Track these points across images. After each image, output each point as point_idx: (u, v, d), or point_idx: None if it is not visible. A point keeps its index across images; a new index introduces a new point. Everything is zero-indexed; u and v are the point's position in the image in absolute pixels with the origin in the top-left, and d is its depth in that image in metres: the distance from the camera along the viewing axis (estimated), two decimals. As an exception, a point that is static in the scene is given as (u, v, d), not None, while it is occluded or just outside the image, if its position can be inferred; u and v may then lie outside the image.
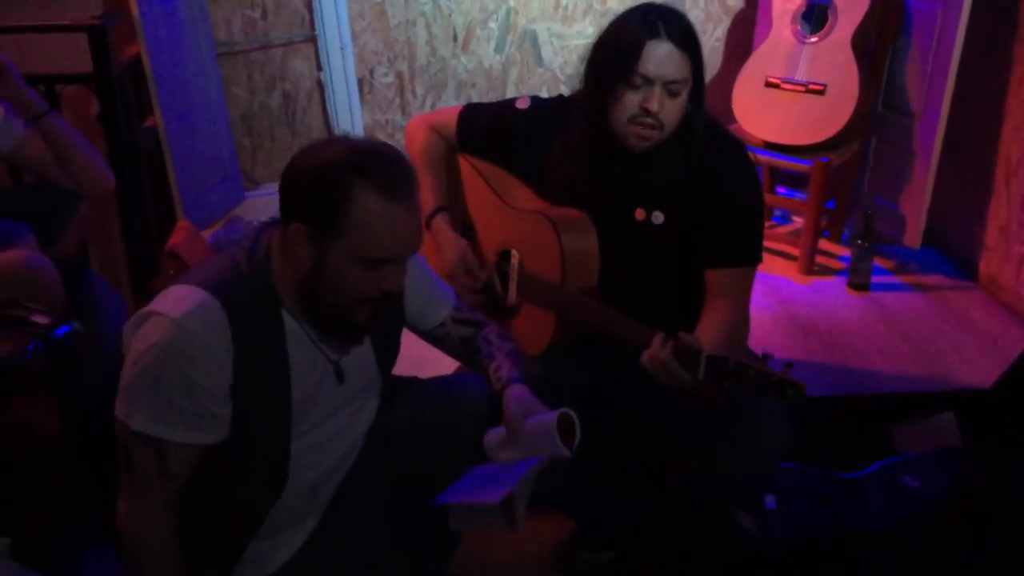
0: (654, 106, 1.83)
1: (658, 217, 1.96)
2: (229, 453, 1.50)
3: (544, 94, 3.86)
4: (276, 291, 1.51)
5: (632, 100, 1.84)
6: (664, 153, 1.93)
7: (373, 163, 1.43)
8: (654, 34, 1.81)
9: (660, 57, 1.81)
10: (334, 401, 1.63)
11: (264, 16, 3.68)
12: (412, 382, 1.83)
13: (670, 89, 1.83)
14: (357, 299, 1.49)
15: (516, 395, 1.66)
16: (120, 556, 1.53)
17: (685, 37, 1.83)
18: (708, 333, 1.82)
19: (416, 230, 1.50)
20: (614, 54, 1.86)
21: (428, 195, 2.15)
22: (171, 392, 1.42)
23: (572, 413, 1.61)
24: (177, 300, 1.44)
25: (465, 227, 2.23)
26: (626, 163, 1.95)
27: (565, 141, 2.00)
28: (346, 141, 1.47)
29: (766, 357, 1.59)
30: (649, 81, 1.82)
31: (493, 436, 1.67)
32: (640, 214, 1.97)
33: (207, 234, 3.22)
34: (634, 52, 1.82)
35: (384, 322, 1.67)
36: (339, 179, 1.41)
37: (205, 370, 1.43)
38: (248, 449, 1.52)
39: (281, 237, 1.49)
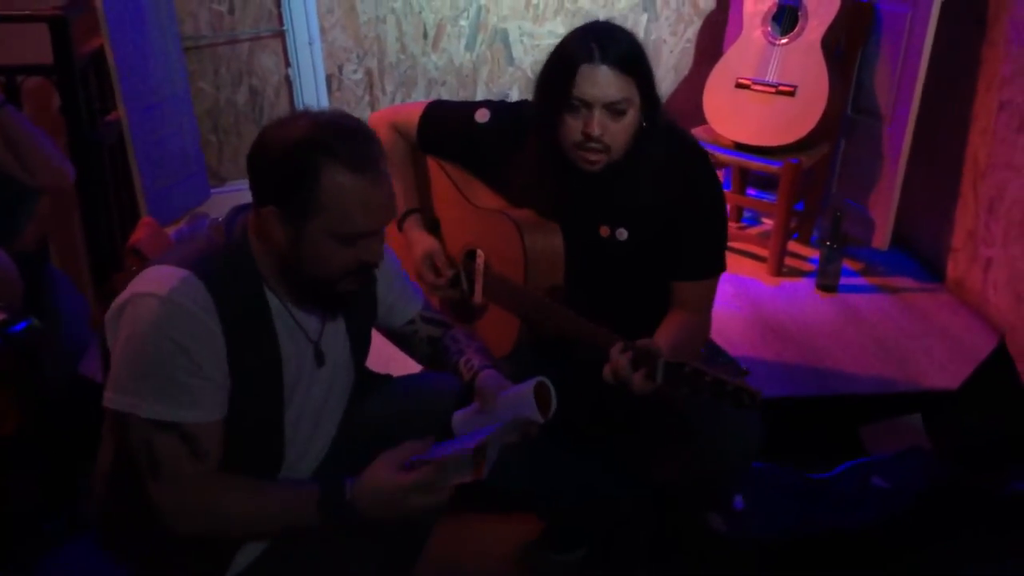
0: (594, 130, 1.80)
1: (622, 234, 1.95)
2: (225, 434, 1.48)
3: (514, 93, 3.87)
4: (256, 269, 1.50)
5: (574, 125, 1.82)
6: (623, 170, 1.91)
7: (338, 139, 1.41)
8: (588, 57, 1.78)
9: (594, 80, 1.78)
10: (314, 385, 1.62)
11: (231, 11, 3.63)
12: (384, 378, 1.83)
13: (612, 110, 1.80)
14: (339, 272, 1.48)
15: (489, 374, 1.69)
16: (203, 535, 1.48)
17: (623, 57, 1.80)
18: (667, 335, 1.84)
19: (388, 200, 1.49)
20: (552, 77, 1.85)
21: (398, 197, 2.13)
22: (175, 370, 1.39)
23: (548, 382, 1.61)
24: (160, 279, 1.42)
25: (432, 226, 2.21)
26: (586, 181, 1.93)
27: (523, 158, 1.99)
28: (308, 117, 1.45)
29: (743, 374, 1.59)
30: (587, 104, 1.80)
31: (460, 415, 1.66)
32: (604, 231, 1.96)
33: (171, 230, 3.16)
34: (568, 77, 1.80)
35: (358, 312, 1.67)
36: (305, 159, 1.40)
37: (203, 342, 1.41)
38: (244, 428, 1.50)
39: (255, 219, 1.49)
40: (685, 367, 1.59)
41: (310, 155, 1.40)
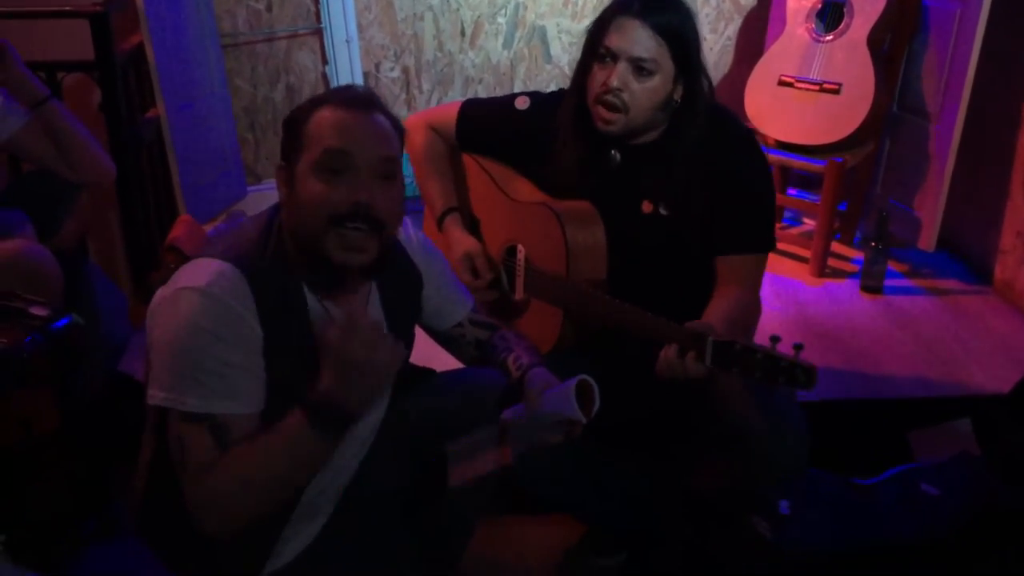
0: (612, 81, 1.81)
1: (666, 209, 1.92)
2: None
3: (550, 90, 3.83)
4: (293, 263, 1.49)
5: (599, 76, 1.84)
6: (661, 146, 1.90)
7: (336, 91, 1.53)
8: (625, 10, 1.80)
9: (624, 31, 1.80)
10: None
11: (269, 8, 3.63)
12: (427, 372, 1.82)
13: (638, 68, 1.80)
14: (324, 217, 1.43)
15: (538, 373, 1.67)
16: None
17: (661, 18, 1.80)
18: (717, 311, 1.79)
19: (376, 134, 1.48)
20: (590, 30, 1.88)
21: (437, 197, 2.14)
22: (211, 360, 1.39)
23: (591, 380, 1.57)
24: (198, 273, 1.42)
25: (472, 225, 2.19)
26: (623, 151, 1.91)
27: (559, 127, 1.98)
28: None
29: (774, 340, 1.55)
30: (613, 55, 1.81)
31: (510, 413, 1.64)
32: (647, 207, 1.94)
33: (208, 228, 3.17)
34: (603, 25, 1.83)
35: (399, 311, 1.65)
36: (304, 108, 1.50)
37: (240, 333, 1.41)
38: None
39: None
40: (735, 345, 1.55)
41: (308, 105, 1.50)
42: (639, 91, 1.82)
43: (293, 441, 1.39)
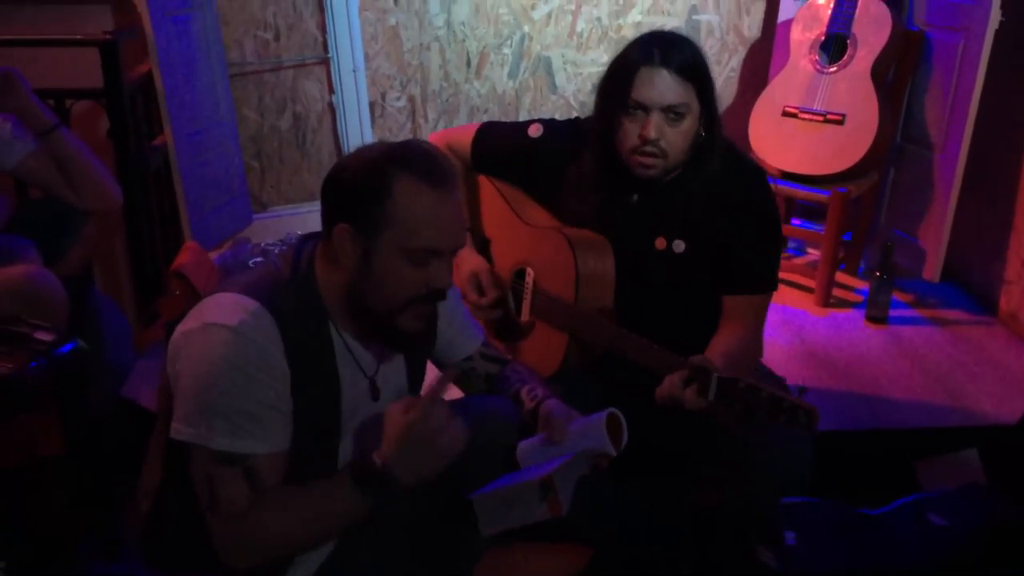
0: (650, 133, 1.82)
1: (679, 246, 1.94)
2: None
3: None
4: (321, 302, 1.49)
5: (631, 129, 1.85)
6: (682, 181, 1.92)
7: (412, 154, 1.44)
8: (648, 60, 1.81)
9: (653, 83, 1.81)
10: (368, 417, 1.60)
11: (277, 38, 3.66)
12: None
13: (670, 115, 1.82)
14: (405, 297, 1.46)
15: (554, 404, 1.66)
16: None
17: (683, 63, 1.82)
18: (719, 348, 1.82)
19: (458, 221, 1.49)
20: (612, 82, 1.87)
21: None
22: (246, 402, 1.39)
23: (619, 414, 1.58)
24: (228, 309, 1.41)
25: (482, 246, 2.20)
26: (643, 192, 1.93)
27: (579, 171, 2.00)
28: (384, 143, 1.48)
29: (779, 381, 1.56)
30: (644, 108, 1.82)
31: (527, 444, 1.63)
32: (661, 243, 1.95)
33: (213, 255, 3.17)
34: (627, 79, 1.82)
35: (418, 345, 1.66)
36: (380, 172, 1.42)
37: (272, 374, 1.41)
38: (299, 459, 1.48)
39: (324, 245, 1.48)
40: (739, 382, 1.56)
41: (385, 168, 1.42)
42: (674, 135, 1.84)
43: (340, 503, 1.41)
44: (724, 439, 1.84)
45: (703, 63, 1.86)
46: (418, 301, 1.47)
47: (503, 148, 2.12)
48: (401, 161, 1.43)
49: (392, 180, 1.41)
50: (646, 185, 1.92)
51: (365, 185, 1.42)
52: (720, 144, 1.92)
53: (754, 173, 2.01)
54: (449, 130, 2.24)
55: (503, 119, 3.84)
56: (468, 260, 2.09)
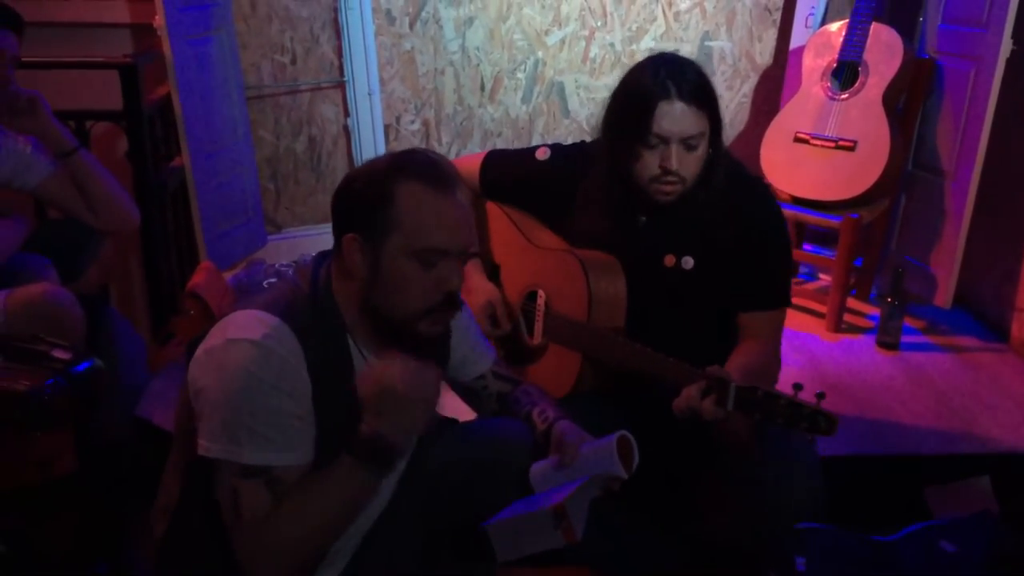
0: (672, 164, 1.84)
1: (688, 262, 1.96)
2: None
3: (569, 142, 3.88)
4: (340, 317, 1.50)
5: (651, 160, 1.86)
6: (689, 199, 1.93)
7: (413, 160, 1.48)
8: (664, 94, 1.82)
9: (673, 117, 1.82)
10: None
11: (293, 61, 3.70)
12: (449, 422, 1.81)
13: (688, 144, 1.84)
14: (420, 306, 1.47)
15: (567, 426, 1.66)
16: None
17: (697, 92, 1.84)
18: (738, 362, 1.83)
19: (467, 222, 1.51)
20: (627, 114, 1.88)
21: None
22: (273, 414, 1.40)
23: (630, 436, 1.59)
24: (250, 324, 1.43)
25: (492, 271, 2.21)
26: (652, 211, 1.95)
27: (588, 194, 2.02)
28: (390, 153, 1.52)
29: (797, 388, 1.56)
30: (664, 140, 1.84)
31: (539, 467, 1.63)
32: (670, 260, 1.96)
33: (228, 275, 3.20)
34: (646, 113, 1.83)
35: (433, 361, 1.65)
36: (383, 179, 1.46)
37: (296, 387, 1.42)
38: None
39: (337, 258, 1.50)
40: (758, 391, 1.58)
41: (389, 175, 1.46)
42: (691, 161, 1.87)
43: (344, 483, 1.42)
44: (733, 463, 1.85)
45: (710, 84, 1.88)
46: (435, 310, 1.49)
47: (512, 172, 2.15)
48: (403, 167, 1.46)
49: (394, 185, 1.45)
50: (654, 205, 1.94)
51: (369, 193, 1.46)
52: (725, 158, 1.94)
53: (760, 187, 2.04)
54: (459, 159, 2.26)
55: (516, 143, 3.88)
56: (480, 288, 2.10)
